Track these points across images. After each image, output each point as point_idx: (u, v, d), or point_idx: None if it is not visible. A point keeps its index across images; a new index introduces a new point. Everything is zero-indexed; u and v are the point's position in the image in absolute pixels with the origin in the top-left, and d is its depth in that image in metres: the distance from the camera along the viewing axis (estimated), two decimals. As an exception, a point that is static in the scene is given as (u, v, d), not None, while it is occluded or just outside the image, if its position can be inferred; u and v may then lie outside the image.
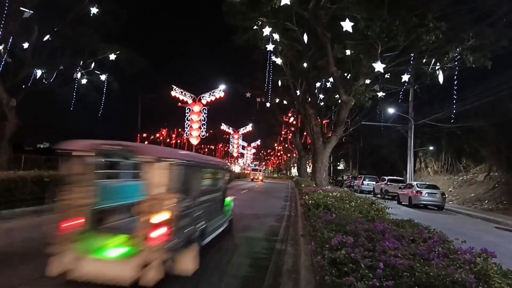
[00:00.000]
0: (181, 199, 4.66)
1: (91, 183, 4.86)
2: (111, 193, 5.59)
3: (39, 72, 19.71)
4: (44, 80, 20.40)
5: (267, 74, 20.76)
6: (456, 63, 13.79)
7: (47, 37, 18.68)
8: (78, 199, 4.65)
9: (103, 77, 21.81)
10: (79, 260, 4.30)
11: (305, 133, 35.80)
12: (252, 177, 49.84)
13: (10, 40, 17.57)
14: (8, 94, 18.13)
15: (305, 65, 19.34)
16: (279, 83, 25.79)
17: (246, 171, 74.48)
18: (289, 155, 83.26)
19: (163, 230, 4.31)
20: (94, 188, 4.92)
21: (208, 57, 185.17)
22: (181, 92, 33.31)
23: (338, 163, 69.86)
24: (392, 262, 2.92)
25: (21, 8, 16.62)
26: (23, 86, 19.84)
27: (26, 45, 18.36)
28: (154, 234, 4.24)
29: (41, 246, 6.24)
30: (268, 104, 33.50)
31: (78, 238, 4.52)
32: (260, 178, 49.41)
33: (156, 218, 4.29)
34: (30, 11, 16.31)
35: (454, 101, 17.00)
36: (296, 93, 25.47)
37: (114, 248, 4.65)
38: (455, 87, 14.86)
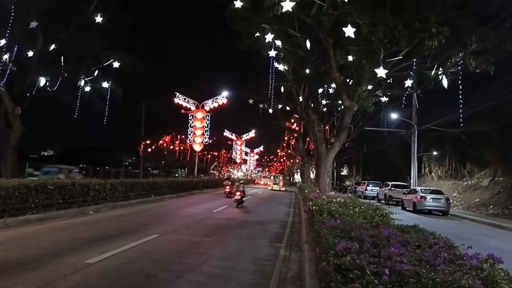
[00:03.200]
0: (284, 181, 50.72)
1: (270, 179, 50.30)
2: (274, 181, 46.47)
3: (43, 80, 19.81)
4: (48, 88, 20.50)
5: (269, 80, 20.82)
6: (459, 67, 13.74)
7: (52, 46, 18.81)
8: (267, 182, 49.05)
9: (106, 84, 21.89)
10: (272, 187, 43.27)
11: (308, 139, 35.76)
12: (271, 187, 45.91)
13: (16, 49, 17.72)
14: (13, 102, 18.25)
15: (307, 71, 19.38)
16: (282, 89, 25.84)
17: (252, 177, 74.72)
18: (292, 161, 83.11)
19: (281, 184, 44.00)
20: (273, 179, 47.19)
21: (212, 62, 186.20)
22: (184, 99, 33.41)
23: (342, 169, 69.73)
24: (398, 268, 2.90)
25: (26, 17, 16.78)
26: (28, 94, 19.95)
27: (31, 53, 18.50)
28: (281, 184, 43.81)
29: (45, 253, 6.26)
30: (270, 110, 33.51)
31: (272, 185, 43.97)
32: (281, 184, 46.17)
33: (281, 183, 44.35)
34: (36, 22, 16.42)
35: (459, 106, 16.90)
36: (299, 99, 25.50)
37: (276, 186, 43.02)
38: (459, 92, 14.76)
